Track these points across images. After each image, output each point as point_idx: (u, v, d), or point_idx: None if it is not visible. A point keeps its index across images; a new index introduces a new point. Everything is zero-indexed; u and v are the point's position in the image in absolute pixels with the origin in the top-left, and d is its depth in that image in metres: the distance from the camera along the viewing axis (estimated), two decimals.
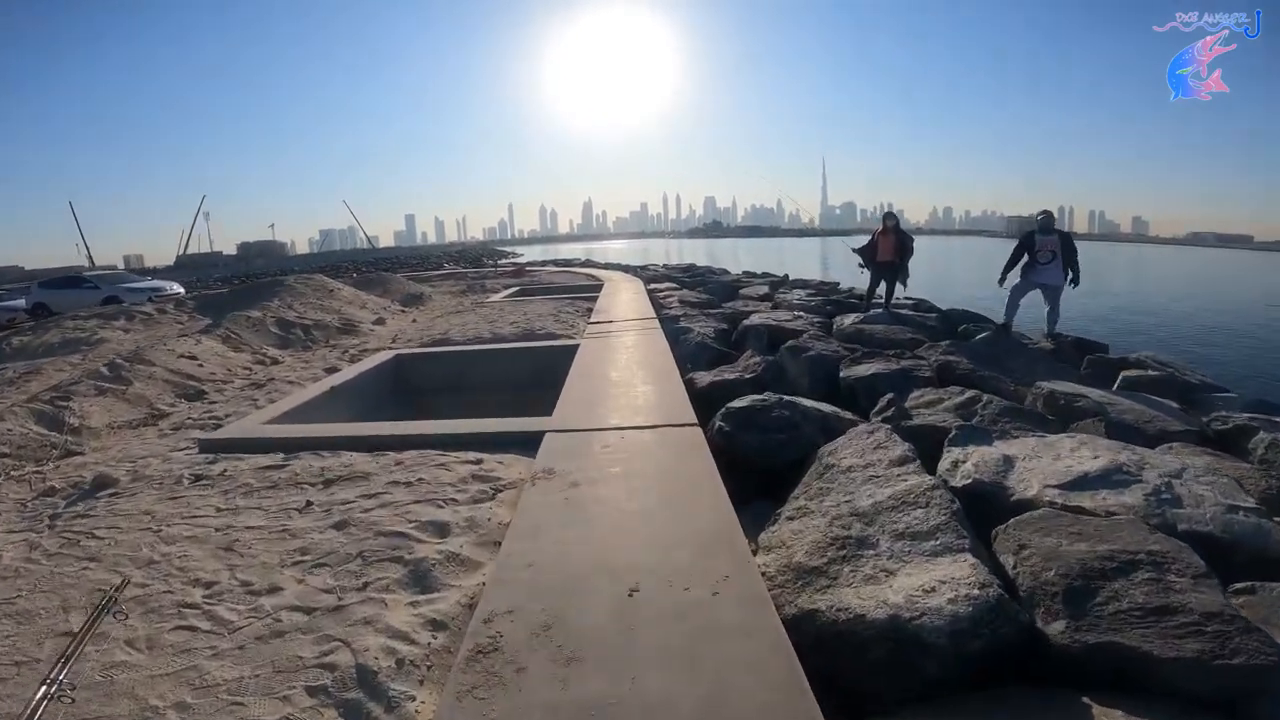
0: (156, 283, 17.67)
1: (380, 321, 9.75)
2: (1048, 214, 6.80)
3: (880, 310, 8.03)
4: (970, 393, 4.59)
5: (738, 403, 4.21)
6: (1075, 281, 6.59)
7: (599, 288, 12.53)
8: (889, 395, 4.21)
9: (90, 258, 77.76)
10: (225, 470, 3.18)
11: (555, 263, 28.08)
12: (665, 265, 21.98)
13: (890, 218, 8.28)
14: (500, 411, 6.74)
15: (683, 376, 5.31)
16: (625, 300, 10.11)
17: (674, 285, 12.80)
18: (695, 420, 3.69)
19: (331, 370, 6.27)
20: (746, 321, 7.51)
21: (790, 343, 5.91)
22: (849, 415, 4.32)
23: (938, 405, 4.55)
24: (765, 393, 4.28)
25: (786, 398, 4.22)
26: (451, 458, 3.25)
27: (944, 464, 3.20)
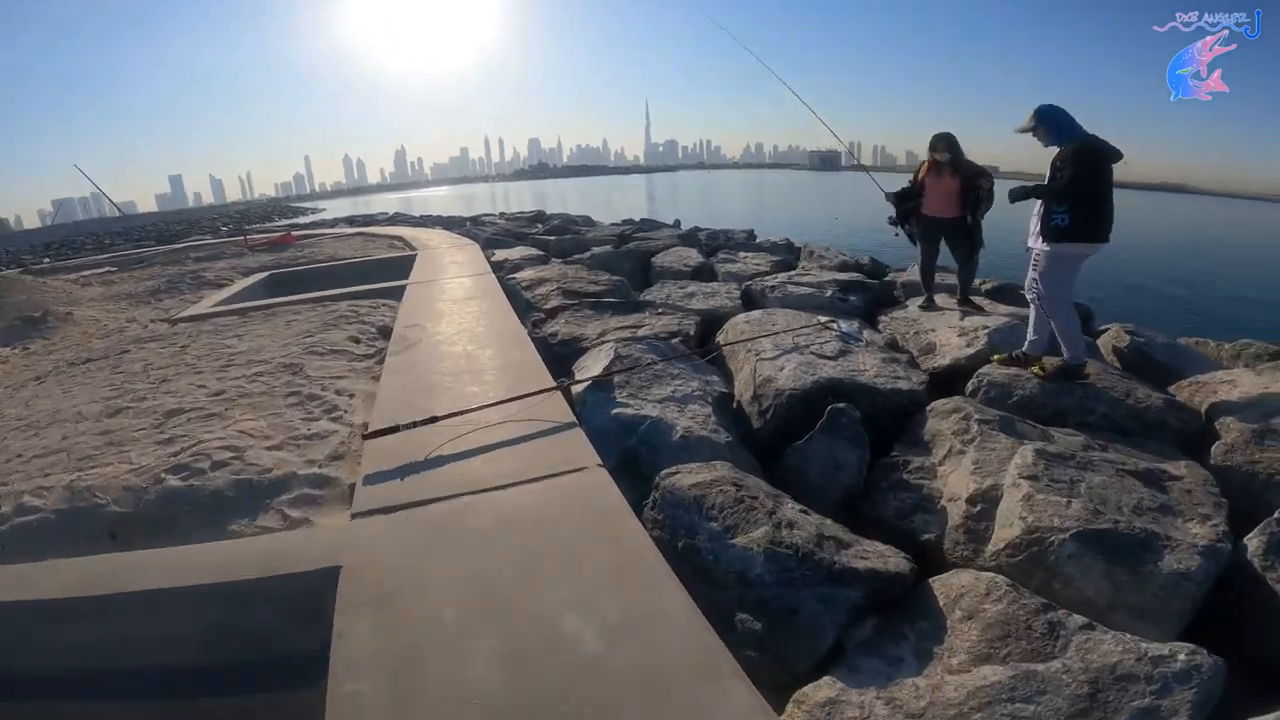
0: None
1: None
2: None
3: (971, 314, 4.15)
4: None
5: None
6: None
7: (409, 266, 7.36)
8: None
9: None
10: None
11: (353, 221, 21.05)
12: (505, 215, 16.62)
13: (943, 141, 4.26)
14: None
15: None
16: (457, 301, 5.24)
17: (533, 254, 8.00)
18: None
19: None
20: (785, 382, 3.13)
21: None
22: None
23: None
24: None
25: None
26: None
27: None
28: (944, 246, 4.46)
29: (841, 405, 2.73)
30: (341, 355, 4.28)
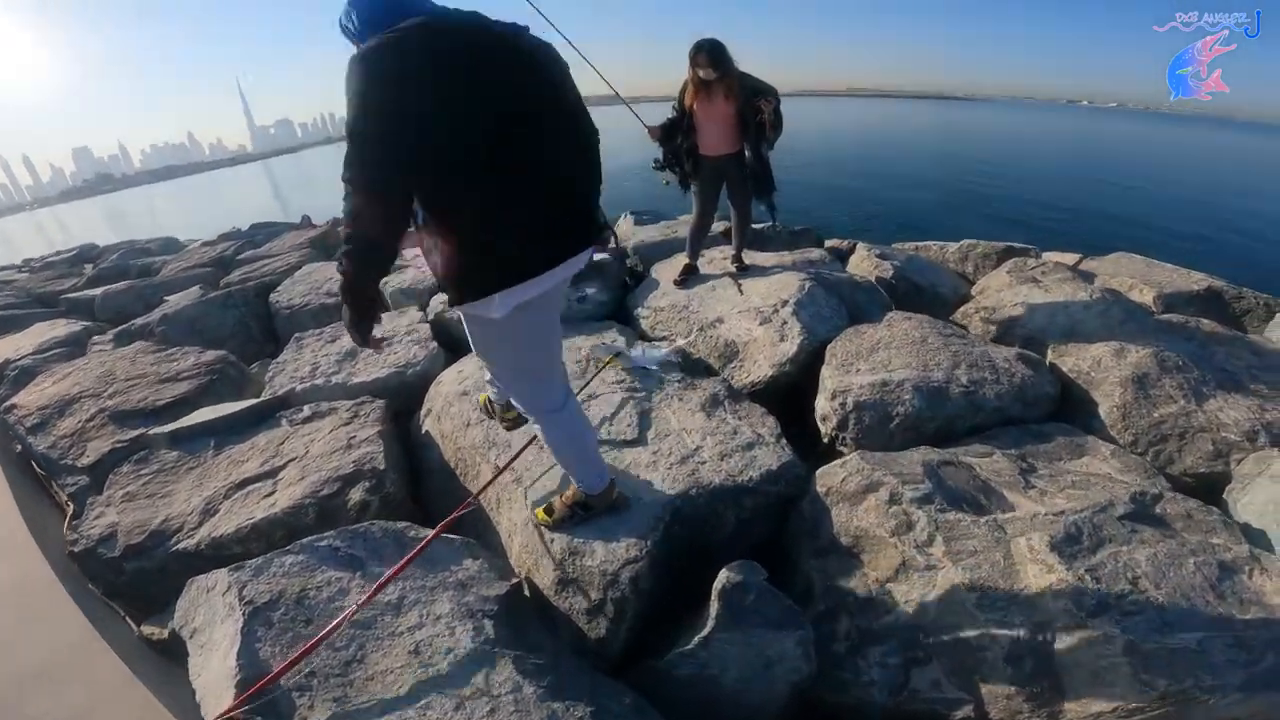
0: None
1: None
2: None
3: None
4: None
5: None
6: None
7: None
8: None
9: None
10: None
11: None
12: (31, 263, 10.82)
13: (705, 53, 2.89)
14: None
15: None
16: None
17: (66, 333, 4.69)
18: None
19: None
20: (612, 552, 1.62)
21: None
22: None
23: None
24: None
25: None
26: None
27: None
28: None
29: (737, 576, 1.41)
30: None
